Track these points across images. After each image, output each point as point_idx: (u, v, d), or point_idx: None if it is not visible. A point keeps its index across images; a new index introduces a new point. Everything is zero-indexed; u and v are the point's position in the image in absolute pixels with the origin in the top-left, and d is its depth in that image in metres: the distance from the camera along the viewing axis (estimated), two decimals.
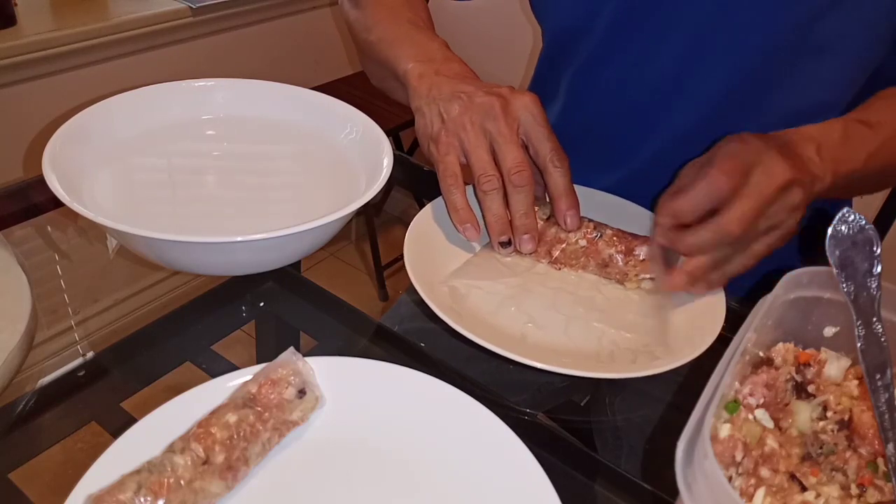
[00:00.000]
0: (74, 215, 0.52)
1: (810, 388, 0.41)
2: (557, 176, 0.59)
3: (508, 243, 0.60)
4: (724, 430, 0.38)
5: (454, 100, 0.60)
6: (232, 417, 0.42)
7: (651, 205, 0.62)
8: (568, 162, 0.59)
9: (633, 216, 0.67)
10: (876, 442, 0.38)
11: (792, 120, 0.67)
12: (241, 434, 0.41)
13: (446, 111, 0.60)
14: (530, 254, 0.62)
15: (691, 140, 0.69)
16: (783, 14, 0.62)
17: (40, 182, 0.54)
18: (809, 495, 0.36)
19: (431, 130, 0.61)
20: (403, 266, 0.57)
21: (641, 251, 0.60)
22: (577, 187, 0.66)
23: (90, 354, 0.56)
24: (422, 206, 0.64)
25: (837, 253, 0.39)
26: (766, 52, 0.64)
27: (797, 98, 0.67)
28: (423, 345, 0.58)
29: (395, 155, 0.63)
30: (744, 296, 0.65)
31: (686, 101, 0.69)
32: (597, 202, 0.68)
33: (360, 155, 0.67)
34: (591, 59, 0.73)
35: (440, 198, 0.63)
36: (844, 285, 0.39)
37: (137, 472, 0.38)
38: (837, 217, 0.39)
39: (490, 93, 0.59)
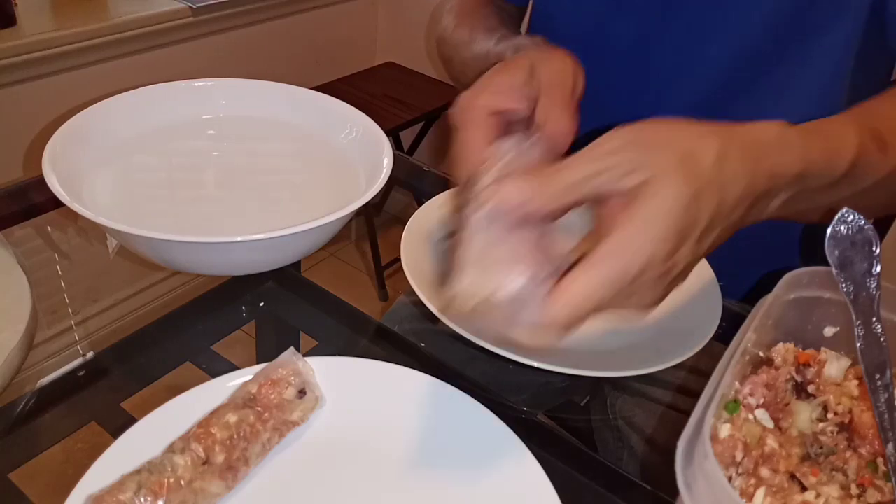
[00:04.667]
0: (74, 215, 0.52)
1: (810, 389, 0.42)
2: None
3: None
4: (724, 430, 0.38)
5: None
6: (232, 417, 0.42)
7: None
8: None
9: None
10: (876, 442, 0.38)
11: (791, 101, 0.66)
12: (241, 434, 0.41)
13: None
14: None
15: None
16: None
17: (40, 182, 0.54)
18: (809, 495, 0.36)
19: None
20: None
21: None
22: None
23: (90, 354, 0.56)
24: (421, 206, 0.64)
25: (837, 253, 0.39)
26: (765, 30, 0.64)
27: (796, 79, 0.66)
28: (422, 345, 0.58)
29: (395, 155, 0.63)
30: (744, 296, 0.65)
31: (687, 80, 0.69)
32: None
33: (360, 155, 0.67)
34: (586, 39, 0.73)
35: (435, 197, 0.63)
36: (844, 285, 0.39)
37: (137, 472, 0.38)
38: (837, 217, 0.39)
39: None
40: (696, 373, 0.54)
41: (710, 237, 0.39)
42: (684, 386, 0.56)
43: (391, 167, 0.61)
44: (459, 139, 0.50)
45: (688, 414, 0.36)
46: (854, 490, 0.37)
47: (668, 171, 0.37)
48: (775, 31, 0.64)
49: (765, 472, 0.37)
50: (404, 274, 0.55)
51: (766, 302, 0.43)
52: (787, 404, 0.41)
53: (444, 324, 0.52)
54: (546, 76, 0.52)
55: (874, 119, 0.49)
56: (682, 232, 0.37)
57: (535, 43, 0.63)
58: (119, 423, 0.44)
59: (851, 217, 0.39)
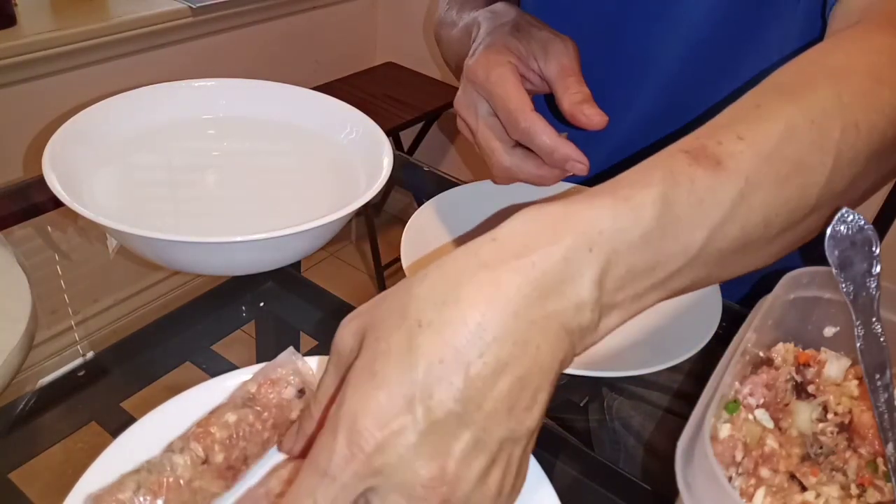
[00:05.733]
0: (74, 215, 0.52)
1: (810, 389, 0.41)
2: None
3: None
4: (724, 430, 0.38)
5: None
6: (231, 417, 0.42)
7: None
8: None
9: None
10: (876, 442, 0.38)
11: (757, 67, 0.66)
12: (241, 434, 0.41)
13: None
14: None
15: (659, 118, 0.70)
16: None
17: (40, 182, 0.54)
18: (809, 495, 0.36)
19: None
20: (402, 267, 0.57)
21: None
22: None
23: (90, 354, 0.56)
24: (421, 206, 0.64)
25: (836, 253, 0.39)
26: (728, 18, 0.64)
27: (761, 61, 0.66)
28: None
29: (395, 155, 0.63)
30: (744, 296, 0.65)
31: (661, 51, 0.69)
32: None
33: (360, 155, 0.67)
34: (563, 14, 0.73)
35: (436, 197, 0.63)
36: (844, 285, 0.39)
37: (137, 471, 0.38)
38: (836, 217, 0.39)
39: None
40: (695, 373, 0.54)
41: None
42: (683, 387, 0.56)
43: (391, 167, 0.61)
44: (506, 91, 0.53)
45: (684, 417, 0.36)
46: (854, 490, 0.37)
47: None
48: (738, 12, 0.64)
49: (765, 472, 0.37)
50: (404, 274, 0.55)
51: (766, 302, 0.43)
52: (787, 404, 0.41)
53: None
54: (560, 60, 0.56)
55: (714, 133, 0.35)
56: None
57: (513, 11, 0.64)
58: (119, 423, 0.44)
59: (851, 217, 0.39)
